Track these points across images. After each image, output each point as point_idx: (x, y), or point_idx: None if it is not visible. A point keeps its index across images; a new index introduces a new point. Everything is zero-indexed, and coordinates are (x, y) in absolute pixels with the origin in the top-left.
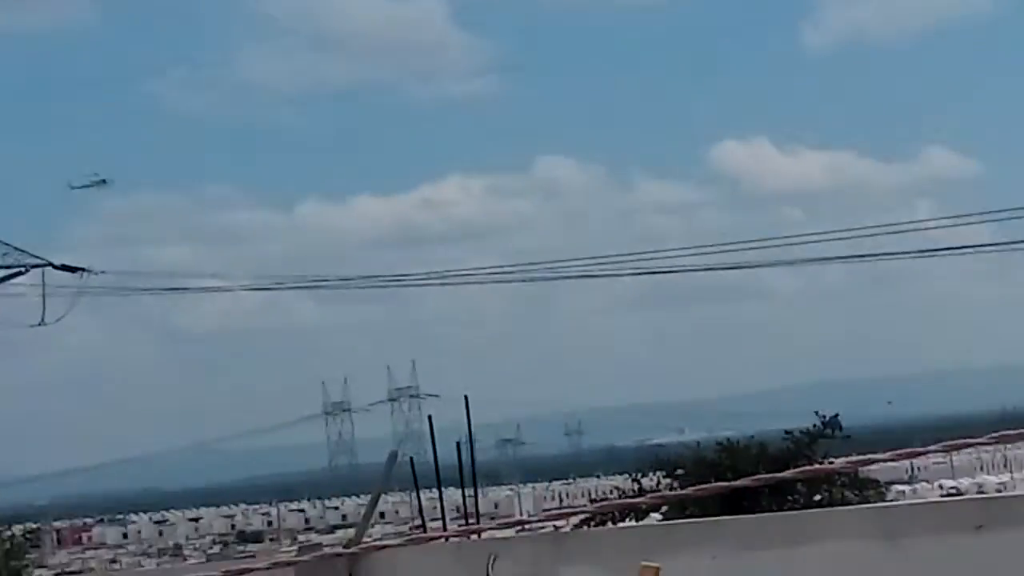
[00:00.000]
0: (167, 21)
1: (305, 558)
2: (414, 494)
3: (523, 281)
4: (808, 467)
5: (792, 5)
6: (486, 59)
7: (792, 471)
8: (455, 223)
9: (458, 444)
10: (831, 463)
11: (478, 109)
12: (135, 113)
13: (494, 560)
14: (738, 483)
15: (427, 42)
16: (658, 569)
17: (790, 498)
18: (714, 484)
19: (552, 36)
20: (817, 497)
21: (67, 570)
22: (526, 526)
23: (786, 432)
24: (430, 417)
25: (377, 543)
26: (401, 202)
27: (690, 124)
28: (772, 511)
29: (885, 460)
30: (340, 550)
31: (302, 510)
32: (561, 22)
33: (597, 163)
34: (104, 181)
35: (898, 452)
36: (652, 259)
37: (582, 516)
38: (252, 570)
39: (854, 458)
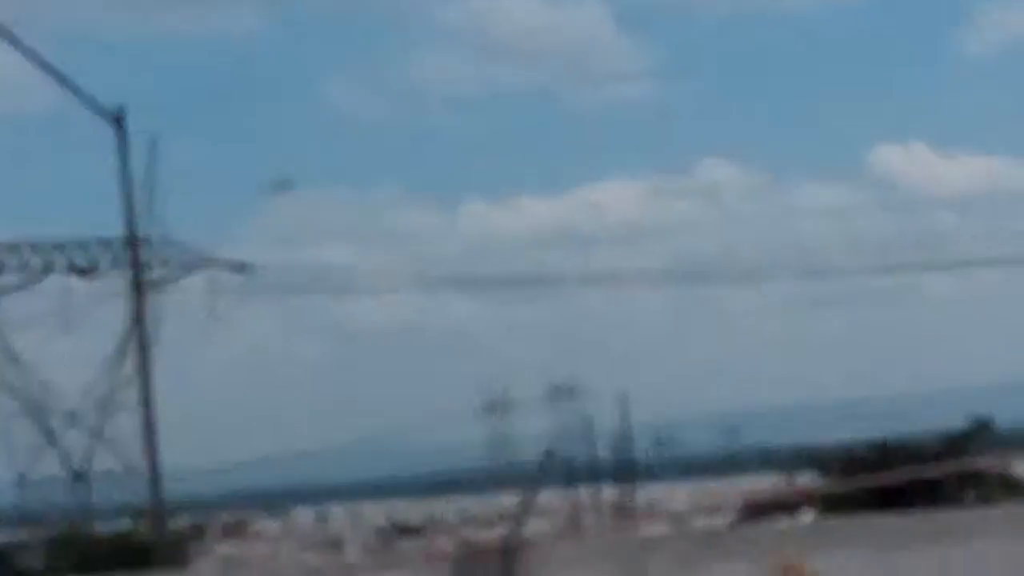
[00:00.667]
0: (337, 27)
1: (460, 552)
2: (571, 491)
3: (681, 281)
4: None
5: (953, 9)
6: (647, 63)
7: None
8: (615, 224)
9: (616, 441)
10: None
11: (639, 112)
12: (307, 115)
13: (649, 556)
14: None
15: (589, 46)
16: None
17: (941, 499)
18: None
19: (713, 40)
20: (968, 499)
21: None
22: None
23: (941, 433)
24: (589, 417)
25: (532, 539)
26: (562, 203)
27: (848, 128)
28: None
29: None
30: (496, 545)
31: (461, 506)
32: (722, 27)
33: (756, 166)
34: (290, 183)
35: None
36: (809, 260)
37: (736, 514)
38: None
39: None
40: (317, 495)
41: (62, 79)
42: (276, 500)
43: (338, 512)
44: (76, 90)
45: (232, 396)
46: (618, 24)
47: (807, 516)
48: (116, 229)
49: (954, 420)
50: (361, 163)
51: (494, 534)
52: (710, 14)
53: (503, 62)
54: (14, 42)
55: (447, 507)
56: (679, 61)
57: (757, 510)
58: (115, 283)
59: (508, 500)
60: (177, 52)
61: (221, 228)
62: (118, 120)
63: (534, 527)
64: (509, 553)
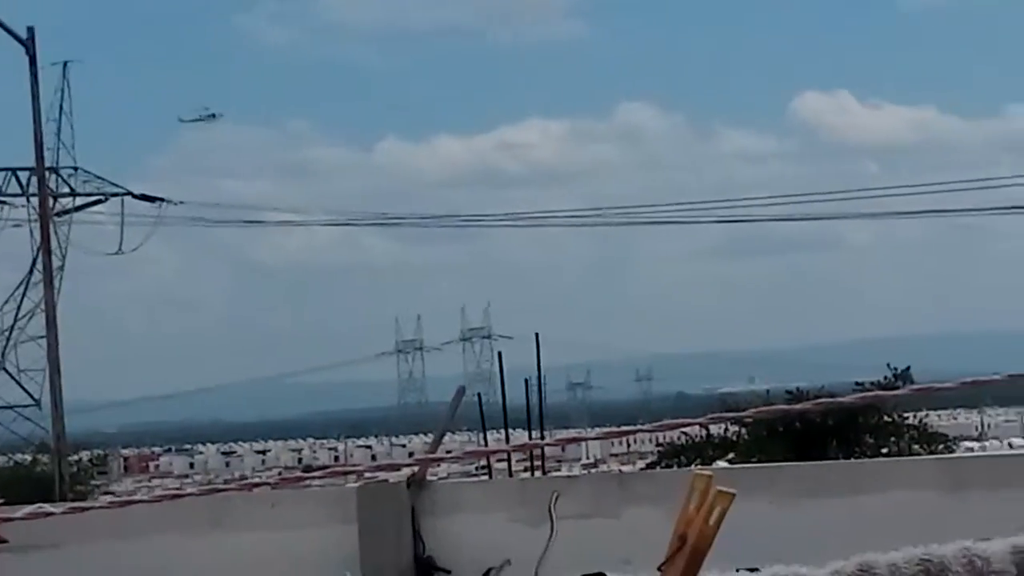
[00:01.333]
0: None
1: (368, 481)
2: (481, 434)
3: (600, 225)
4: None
5: None
6: (568, 3)
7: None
8: (533, 166)
9: (526, 383)
10: (901, 416)
11: (559, 53)
12: (219, 47)
13: (556, 498)
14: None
15: None
16: (710, 477)
17: (857, 449)
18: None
19: None
20: (885, 450)
21: (132, 497)
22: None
23: (857, 383)
24: (500, 354)
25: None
26: (480, 143)
27: (771, 74)
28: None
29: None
30: (402, 482)
31: (369, 446)
32: None
33: (678, 111)
34: (214, 115)
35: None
36: (730, 208)
37: (649, 460)
38: (313, 480)
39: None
40: (224, 433)
41: None
42: (181, 437)
43: (245, 451)
44: None
45: (138, 330)
46: None
47: (721, 463)
48: (24, 157)
49: (873, 371)
50: (276, 97)
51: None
52: None
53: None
54: None
55: (355, 448)
56: (602, 2)
57: (671, 457)
58: (22, 212)
59: (417, 442)
60: None
61: (132, 159)
62: (27, 43)
63: (444, 470)
64: (415, 489)
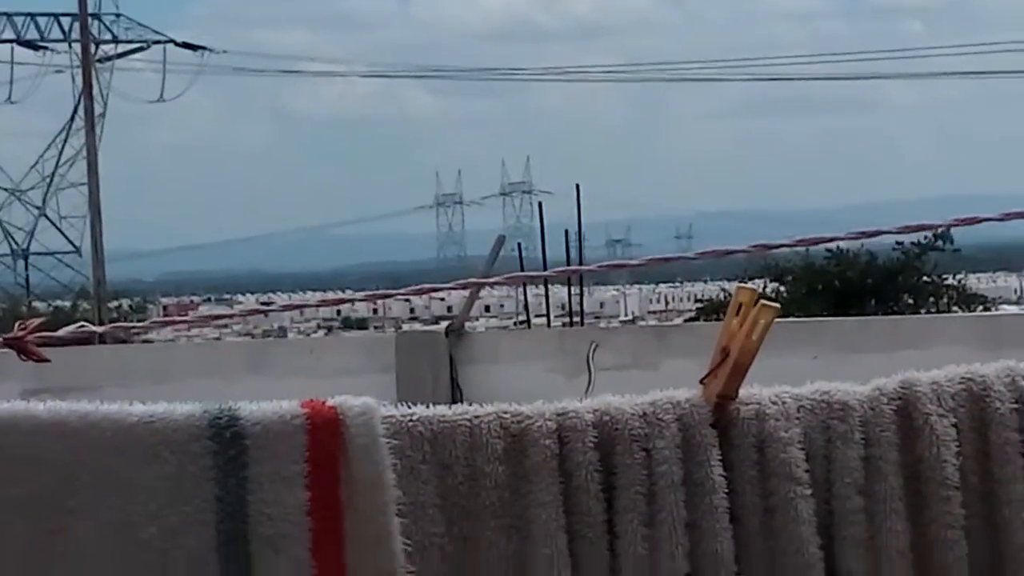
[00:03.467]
0: None
1: (407, 329)
2: (520, 288)
3: (639, 81)
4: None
5: None
6: None
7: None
8: (572, 20)
9: (566, 234)
10: (941, 277)
11: None
12: None
13: (595, 348)
14: None
15: None
16: (755, 291)
17: (896, 309)
18: None
19: None
20: (923, 310)
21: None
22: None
23: (896, 243)
24: (540, 204)
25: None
26: None
27: None
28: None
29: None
30: (442, 331)
31: (408, 299)
32: None
33: None
34: None
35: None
36: (770, 65)
37: (688, 316)
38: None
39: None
40: (262, 283)
41: None
42: (220, 286)
43: (283, 300)
44: None
45: (178, 178)
46: None
47: None
48: (66, 2)
49: (911, 233)
50: None
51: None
52: None
53: None
54: None
55: (393, 301)
56: None
57: (710, 313)
58: (64, 58)
59: (456, 295)
60: None
61: (170, 6)
62: None
63: (482, 324)
64: (454, 338)
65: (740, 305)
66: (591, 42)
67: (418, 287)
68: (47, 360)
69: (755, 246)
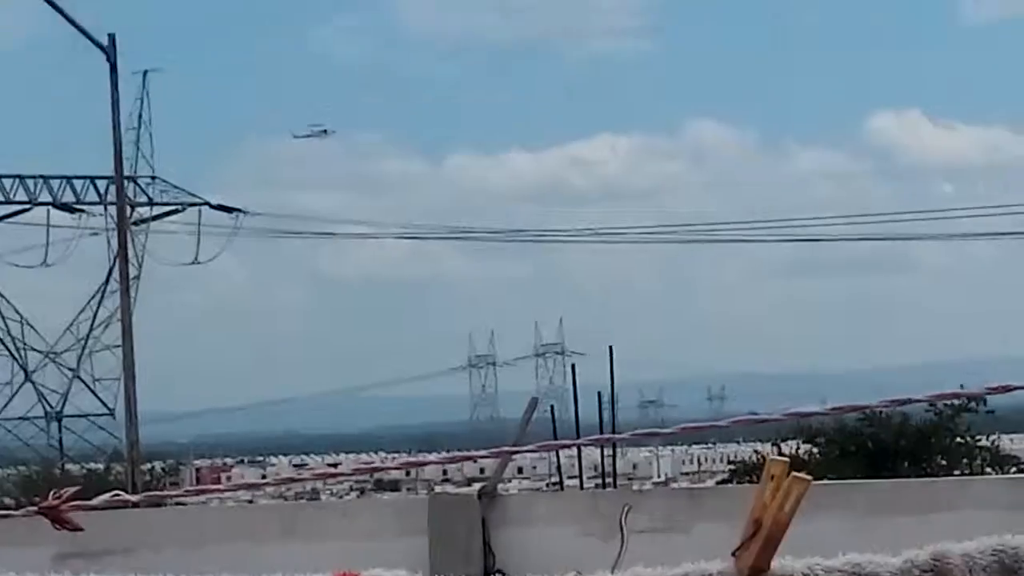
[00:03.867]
0: None
1: (440, 492)
2: (552, 450)
3: (671, 243)
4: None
5: None
6: (639, 18)
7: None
8: (604, 182)
9: (599, 396)
10: (974, 438)
11: (629, 69)
12: (294, 57)
13: (628, 511)
14: None
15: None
16: (787, 464)
17: (929, 470)
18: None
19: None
20: (957, 471)
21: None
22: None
23: (930, 404)
24: (573, 366)
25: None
26: (550, 158)
27: (843, 93)
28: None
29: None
30: (474, 494)
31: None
32: None
33: (749, 128)
34: (326, 131)
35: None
36: (801, 226)
37: (720, 478)
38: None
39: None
40: (296, 445)
41: (54, 6)
42: (253, 448)
43: (316, 463)
44: (68, 17)
45: (211, 340)
46: None
47: None
48: (101, 165)
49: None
50: (348, 109)
51: (473, 490)
52: None
53: (493, 13)
54: None
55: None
56: (670, 19)
57: (743, 475)
58: (100, 220)
59: (489, 457)
60: None
61: (203, 168)
62: (108, 50)
63: (515, 485)
64: (486, 500)
65: (772, 476)
66: (623, 204)
67: (451, 455)
68: (81, 529)
69: (788, 414)
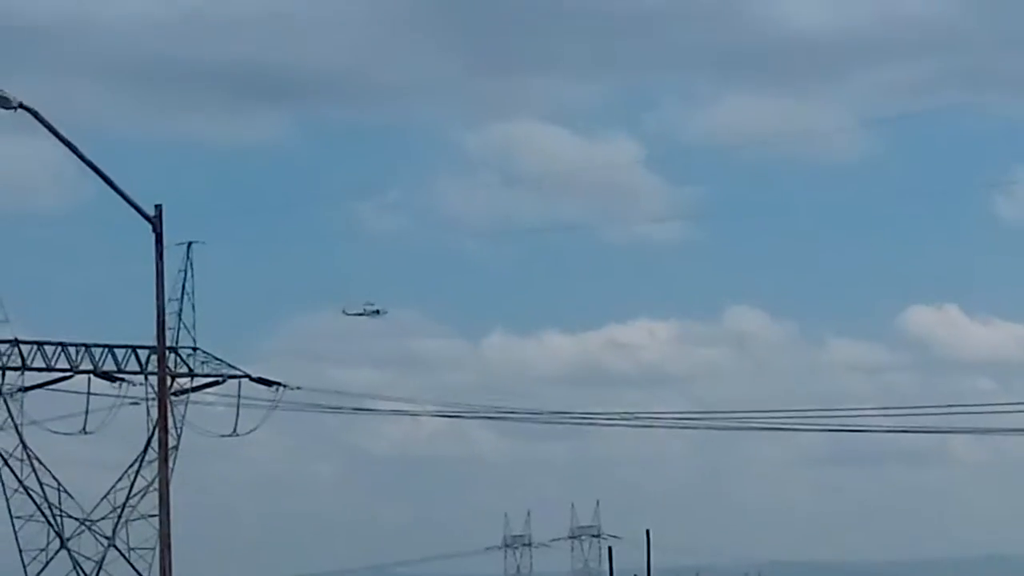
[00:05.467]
0: (366, 146)
1: None
2: None
3: (708, 428)
4: None
5: (986, 174)
6: (678, 204)
7: None
8: (641, 366)
9: None
10: None
11: (668, 254)
12: (325, 234)
13: None
14: None
15: (619, 184)
16: None
17: None
18: None
19: (747, 188)
20: None
21: None
22: None
23: None
24: (611, 549)
25: None
26: (588, 341)
27: (881, 287)
28: None
29: None
30: None
31: None
32: (756, 175)
33: (787, 318)
34: (379, 311)
35: None
36: (839, 416)
37: None
38: None
39: None
40: None
41: (102, 175)
42: None
43: None
44: (116, 188)
45: (246, 513)
46: (650, 165)
47: None
48: (139, 333)
49: None
50: (386, 285)
51: None
52: (743, 160)
53: (530, 195)
54: (55, 134)
55: None
56: (710, 207)
57: None
58: (140, 389)
59: None
60: (203, 159)
61: (241, 340)
62: (155, 221)
63: None
64: None
65: None
66: (660, 389)
67: None
68: None
69: None
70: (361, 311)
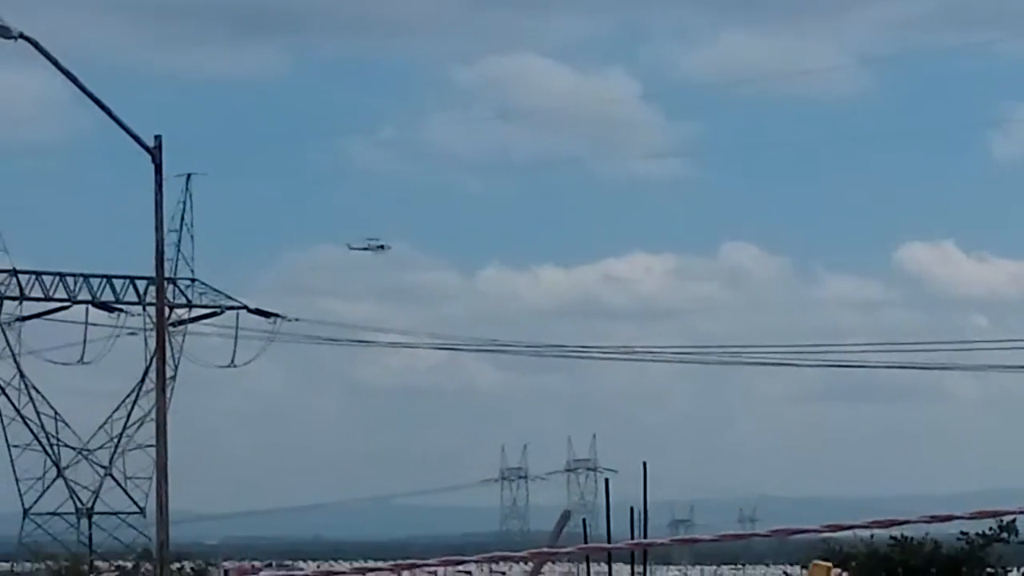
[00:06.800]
0: (355, 82)
1: None
2: (582, 565)
3: (703, 363)
4: None
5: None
6: (675, 140)
7: None
8: (637, 300)
9: (631, 512)
10: (1005, 569)
11: (664, 189)
12: (321, 168)
13: None
14: None
15: (616, 119)
16: (830, 568)
17: None
18: None
19: (744, 124)
20: None
21: None
22: None
23: (961, 533)
24: (607, 481)
25: None
26: (583, 275)
27: (875, 223)
28: None
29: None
30: None
31: (469, 572)
32: (753, 112)
33: (782, 253)
34: (383, 247)
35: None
36: (834, 352)
37: None
38: None
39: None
40: (324, 551)
41: (102, 106)
42: (281, 552)
43: (345, 569)
44: (116, 118)
45: (242, 443)
46: (647, 100)
47: None
48: (140, 265)
49: (976, 523)
50: (380, 219)
51: None
52: (740, 96)
53: (524, 129)
54: (56, 65)
55: (455, 573)
56: (706, 142)
57: None
58: (138, 320)
59: (518, 570)
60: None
61: (237, 273)
62: (154, 152)
63: None
64: None
65: None
66: (656, 323)
67: (488, 555)
68: None
69: (826, 526)
70: (365, 246)
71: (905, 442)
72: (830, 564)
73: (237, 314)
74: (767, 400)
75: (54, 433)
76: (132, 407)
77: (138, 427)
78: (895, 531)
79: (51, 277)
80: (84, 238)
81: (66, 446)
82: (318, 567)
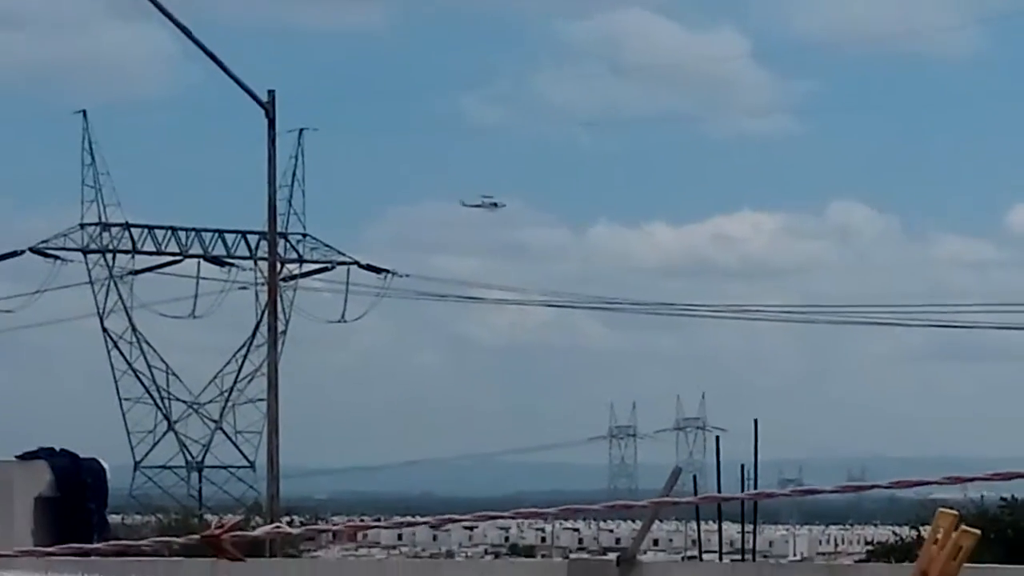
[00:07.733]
0: (464, 36)
1: (579, 557)
2: (691, 524)
3: (812, 323)
4: None
5: None
6: (784, 98)
7: None
8: (745, 259)
9: (742, 469)
10: None
11: (773, 147)
12: (431, 123)
13: None
14: None
15: (725, 76)
16: (956, 516)
17: None
18: None
19: (855, 83)
20: None
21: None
22: None
23: None
24: (717, 439)
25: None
26: (692, 233)
27: (987, 183)
28: None
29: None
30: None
31: (576, 529)
32: (864, 68)
33: (892, 212)
34: (496, 204)
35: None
36: (944, 312)
37: (857, 559)
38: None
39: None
40: (432, 507)
41: (217, 60)
42: (390, 508)
43: (452, 526)
44: (230, 73)
45: (352, 399)
46: (756, 58)
47: None
48: (251, 220)
49: None
50: (491, 175)
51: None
52: (851, 55)
53: (635, 85)
54: (171, 19)
55: (562, 531)
56: (817, 101)
57: (881, 558)
58: (249, 275)
59: (626, 528)
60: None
61: (347, 228)
62: (267, 107)
63: (650, 557)
64: (625, 567)
65: (940, 529)
66: (765, 282)
67: (606, 503)
68: (242, 559)
69: (948, 478)
70: (479, 203)
71: (1015, 403)
72: (956, 513)
73: (348, 269)
74: (876, 360)
75: (165, 387)
76: (243, 361)
77: (249, 381)
78: (1006, 491)
79: (163, 231)
80: (196, 193)
81: (177, 399)
82: (427, 523)
